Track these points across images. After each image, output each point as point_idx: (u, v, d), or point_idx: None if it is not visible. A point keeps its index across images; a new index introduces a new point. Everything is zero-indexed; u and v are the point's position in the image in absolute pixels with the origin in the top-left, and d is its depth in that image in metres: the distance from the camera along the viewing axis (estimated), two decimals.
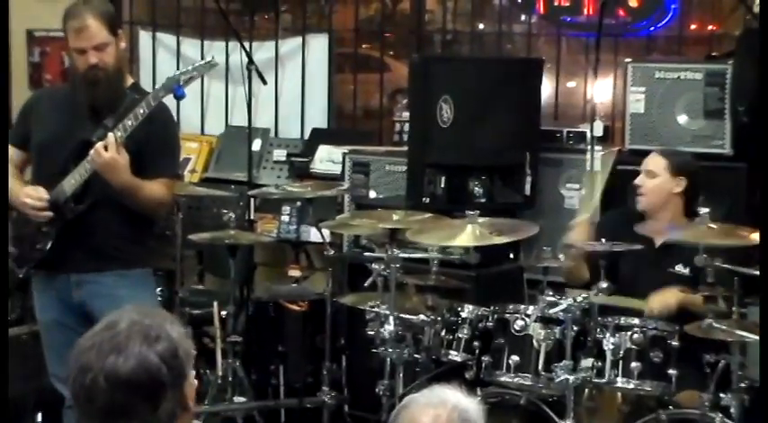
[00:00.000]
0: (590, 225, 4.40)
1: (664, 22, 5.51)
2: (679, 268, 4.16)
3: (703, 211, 3.93)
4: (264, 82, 5.53)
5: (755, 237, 3.65)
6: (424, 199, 4.79)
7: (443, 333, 4.10)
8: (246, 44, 5.66)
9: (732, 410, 3.69)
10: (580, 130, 5.05)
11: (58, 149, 3.87)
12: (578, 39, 5.85)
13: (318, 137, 5.94)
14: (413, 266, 4.28)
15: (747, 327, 3.66)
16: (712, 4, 5.59)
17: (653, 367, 3.80)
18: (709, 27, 5.58)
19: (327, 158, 5.74)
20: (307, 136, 6.07)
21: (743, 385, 3.69)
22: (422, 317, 4.09)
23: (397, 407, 2.18)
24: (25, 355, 4.66)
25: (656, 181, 4.24)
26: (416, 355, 4.10)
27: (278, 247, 5.81)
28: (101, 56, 3.79)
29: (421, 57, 5.23)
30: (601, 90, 5.39)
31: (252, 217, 5.65)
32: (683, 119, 4.80)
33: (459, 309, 4.11)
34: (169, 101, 3.90)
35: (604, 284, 3.87)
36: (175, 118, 4.36)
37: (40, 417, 4.72)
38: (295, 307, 4.94)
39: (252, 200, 5.60)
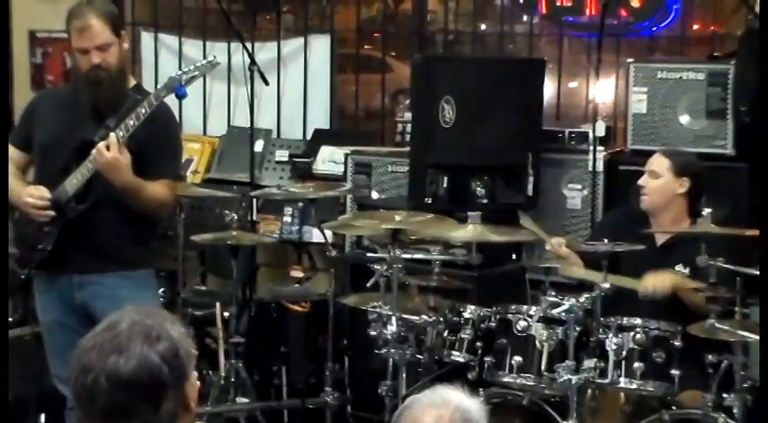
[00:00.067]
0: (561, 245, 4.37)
1: (666, 23, 5.51)
2: (679, 268, 4.16)
3: (706, 211, 3.94)
4: (266, 83, 5.53)
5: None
6: (426, 199, 4.79)
7: (446, 334, 4.10)
8: (248, 45, 5.66)
9: (735, 411, 3.69)
10: (582, 130, 5.05)
11: (60, 150, 3.87)
12: (580, 39, 5.85)
13: (320, 137, 5.94)
14: (415, 267, 4.28)
15: (750, 327, 3.66)
16: (714, 4, 5.58)
17: (656, 367, 3.80)
18: (712, 27, 5.57)
19: (329, 159, 5.74)
20: (309, 137, 6.07)
21: (746, 385, 3.69)
22: (424, 317, 4.09)
23: (399, 407, 2.18)
24: (28, 356, 4.66)
25: (660, 182, 4.24)
26: (419, 356, 4.10)
27: (280, 248, 5.81)
28: (104, 56, 3.80)
29: (423, 57, 5.23)
30: (603, 90, 5.39)
31: (254, 218, 5.66)
32: (685, 119, 4.80)
33: (462, 309, 4.11)
34: (171, 101, 3.90)
35: (607, 285, 3.87)
36: (177, 119, 4.35)
37: (42, 418, 4.72)
38: (297, 308, 4.94)
39: (254, 201, 5.60)
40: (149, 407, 1.99)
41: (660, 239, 4.29)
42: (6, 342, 4.25)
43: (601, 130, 4.94)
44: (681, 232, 4.19)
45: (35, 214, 3.85)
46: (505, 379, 3.91)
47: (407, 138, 5.46)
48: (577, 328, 3.80)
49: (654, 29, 5.54)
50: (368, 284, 4.17)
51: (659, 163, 4.27)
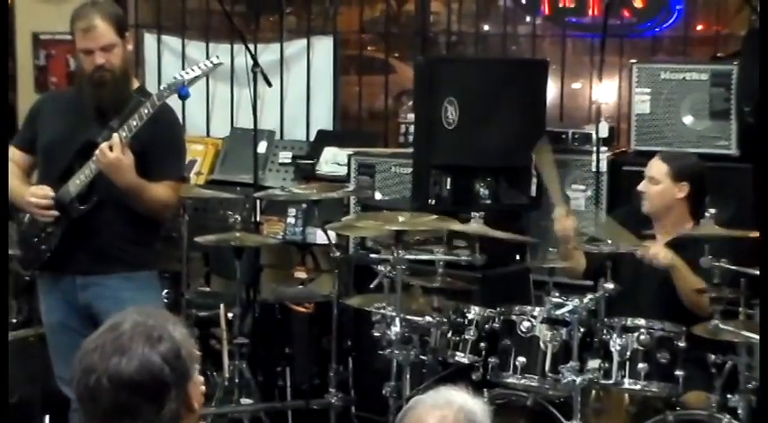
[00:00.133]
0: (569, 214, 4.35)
1: (669, 23, 5.50)
2: None
3: (709, 212, 3.93)
4: (270, 84, 5.54)
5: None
6: (429, 200, 4.79)
7: (450, 334, 4.10)
8: (251, 46, 5.66)
9: (739, 411, 3.69)
10: (585, 131, 5.05)
11: (63, 151, 3.87)
12: (583, 40, 5.85)
13: (324, 139, 5.95)
14: (419, 268, 4.28)
15: (754, 328, 3.65)
16: (717, 4, 5.58)
17: (660, 368, 3.80)
18: (715, 28, 5.57)
19: (333, 160, 5.74)
20: (312, 138, 6.08)
21: (750, 386, 3.68)
22: (428, 318, 4.09)
23: (403, 408, 2.18)
24: (32, 357, 4.67)
25: (659, 187, 4.21)
26: (423, 357, 4.10)
27: (284, 249, 5.82)
28: (108, 57, 3.80)
29: (426, 58, 5.24)
30: (606, 91, 5.38)
31: (258, 219, 5.66)
32: (688, 120, 4.80)
33: (466, 310, 4.11)
34: (174, 103, 3.90)
35: (610, 285, 3.87)
36: (181, 120, 4.36)
37: (47, 419, 4.72)
38: (301, 309, 4.94)
39: (258, 202, 5.61)
40: (152, 407, 2.00)
41: (662, 240, 4.28)
42: (6, 342, 4.25)
43: (604, 130, 4.94)
44: (684, 235, 4.18)
45: (38, 214, 3.86)
46: (509, 380, 3.91)
47: (411, 139, 5.46)
48: (581, 329, 3.80)
49: (657, 29, 5.54)
50: (371, 285, 4.17)
51: (658, 168, 4.23)
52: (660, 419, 3.78)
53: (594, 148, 4.91)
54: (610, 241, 4.06)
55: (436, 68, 4.89)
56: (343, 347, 4.80)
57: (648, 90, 4.86)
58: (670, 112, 4.82)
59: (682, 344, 3.81)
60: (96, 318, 3.67)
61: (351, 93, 6.40)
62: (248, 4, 6.56)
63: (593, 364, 3.75)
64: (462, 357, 4.06)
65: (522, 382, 3.89)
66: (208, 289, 5.71)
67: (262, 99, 5.71)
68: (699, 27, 5.76)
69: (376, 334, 4.14)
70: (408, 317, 4.06)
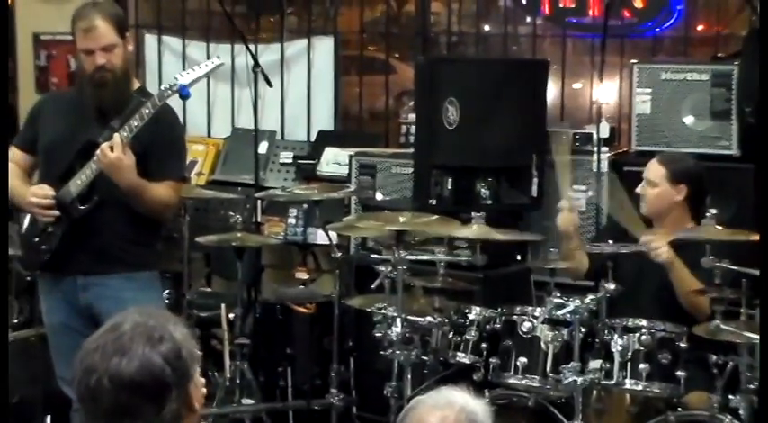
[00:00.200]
0: (573, 209, 4.35)
1: (669, 23, 5.50)
2: None
3: (710, 212, 3.93)
4: (270, 84, 5.54)
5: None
6: (430, 201, 4.79)
7: (451, 335, 4.10)
8: (252, 47, 5.66)
9: (741, 412, 3.68)
10: (586, 131, 5.05)
11: (64, 151, 3.87)
12: (584, 40, 5.85)
13: (325, 139, 5.95)
14: (420, 268, 4.28)
15: (756, 328, 3.65)
16: (718, 4, 5.58)
17: (661, 369, 3.80)
18: (715, 28, 5.57)
19: (334, 161, 5.75)
20: (313, 138, 6.08)
21: (751, 387, 3.68)
22: (429, 319, 4.09)
23: (404, 408, 2.18)
24: (33, 357, 4.67)
25: (657, 190, 4.20)
26: (424, 357, 4.10)
27: (285, 250, 5.82)
28: (108, 57, 3.80)
29: (426, 58, 5.24)
30: (606, 91, 5.38)
31: (259, 219, 5.66)
32: (689, 120, 4.80)
33: (467, 310, 4.11)
34: (175, 103, 3.90)
35: (612, 285, 3.86)
36: (182, 120, 4.36)
37: (48, 420, 4.73)
38: (302, 309, 4.94)
39: (259, 202, 5.61)
40: (152, 408, 2.00)
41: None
42: (6, 342, 4.25)
43: (605, 131, 4.94)
44: (683, 237, 4.17)
45: (40, 214, 3.86)
46: (511, 380, 3.91)
47: (411, 139, 5.46)
48: (582, 330, 3.80)
49: (657, 30, 5.54)
50: (373, 286, 4.17)
51: (655, 171, 4.22)
52: (661, 420, 3.78)
53: (595, 149, 4.91)
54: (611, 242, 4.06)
55: (437, 69, 4.89)
56: (345, 348, 4.80)
57: (649, 90, 4.86)
58: (671, 113, 4.82)
59: (683, 344, 3.81)
60: (97, 318, 3.67)
61: (351, 93, 6.40)
62: (249, 4, 6.56)
63: (595, 364, 3.75)
64: (463, 358, 4.06)
65: (524, 382, 3.89)
66: (209, 289, 5.71)
67: (262, 99, 5.71)
68: (699, 27, 5.76)
69: (377, 334, 4.14)
70: (409, 317, 4.06)
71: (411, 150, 5.21)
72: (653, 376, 3.79)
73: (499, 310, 4.04)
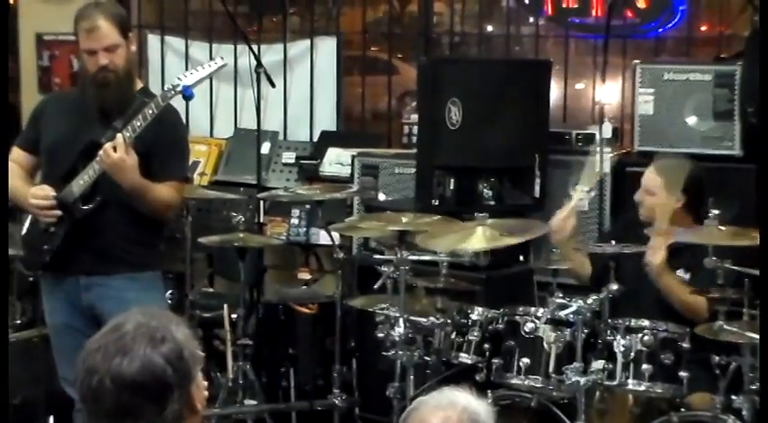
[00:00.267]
0: (576, 214, 4.32)
1: (672, 24, 5.50)
2: (680, 273, 4.15)
3: (712, 212, 3.92)
4: (273, 85, 5.54)
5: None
6: (433, 201, 4.78)
7: (453, 335, 4.09)
8: (255, 47, 5.67)
9: (744, 413, 3.68)
10: (589, 131, 5.05)
11: (66, 151, 3.88)
12: (586, 40, 5.86)
13: (327, 139, 5.95)
14: (422, 269, 4.28)
15: (758, 329, 3.65)
16: (721, 5, 5.57)
17: (664, 369, 3.79)
18: (718, 28, 5.57)
19: (336, 161, 5.75)
20: (315, 139, 6.08)
21: (754, 387, 3.68)
22: (432, 319, 4.09)
23: (407, 409, 2.18)
24: (35, 358, 4.67)
25: (655, 199, 4.19)
26: (427, 358, 4.10)
27: (287, 250, 5.82)
28: (111, 57, 3.80)
29: (429, 59, 5.24)
30: (609, 92, 5.38)
31: (261, 220, 5.66)
32: (692, 120, 4.80)
33: (469, 311, 4.11)
34: (178, 103, 3.90)
35: (614, 286, 3.86)
36: (184, 121, 4.36)
37: (51, 420, 4.73)
38: (305, 310, 4.94)
39: (261, 202, 5.61)
40: (154, 408, 2.00)
41: (663, 244, 4.27)
42: (6, 342, 4.25)
43: (608, 131, 4.94)
44: (685, 240, 4.16)
45: (42, 215, 3.86)
46: (513, 381, 3.90)
47: (414, 139, 5.46)
48: (585, 330, 3.79)
49: (660, 30, 5.53)
50: (375, 286, 4.17)
51: (652, 181, 4.20)
52: (664, 420, 3.78)
53: (598, 149, 4.90)
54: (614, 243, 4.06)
55: (439, 69, 4.89)
56: (347, 348, 4.80)
57: (652, 91, 4.86)
58: (673, 113, 4.81)
59: (686, 345, 3.80)
60: (100, 318, 3.67)
61: (354, 93, 6.40)
62: (251, 4, 6.56)
63: (597, 365, 3.75)
64: (466, 358, 4.05)
65: (526, 383, 3.88)
66: (211, 290, 5.71)
67: (265, 100, 5.71)
68: (702, 28, 5.76)
69: (379, 335, 4.13)
70: (412, 318, 4.06)
71: (414, 151, 5.20)
72: (656, 377, 3.78)
73: (502, 310, 4.04)
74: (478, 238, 3.97)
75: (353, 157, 5.43)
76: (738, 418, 3.69)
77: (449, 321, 4.09)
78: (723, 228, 3.88)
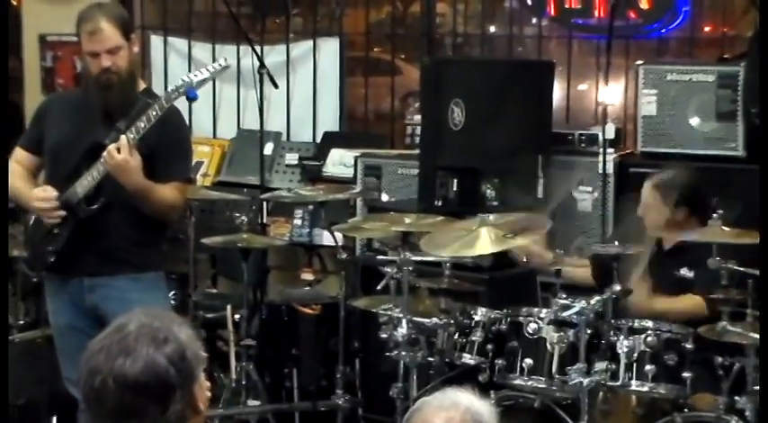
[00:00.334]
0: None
1: (675, 24, 5.49)
2: (684, 272, 4.15)
3: (717, 213, 3.92)
4: (276, 86, 5.54)
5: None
6: (436, 202, 4.79)
7: (456, 336, 4.09)
8: (258, 48, 5.67)
9: (747, 413, 3.68)
10: (592, 132, 5.04)
11: (70, 152, 3.88)
12: (589, 41, 5.84)
13: (330, 140, 5.95)
14: (425, 269, 4.28)
15: None
16: (724, 5, 5.57)
17: (667, 370, 3.79)
18: (721, 29, 5.56)
19: (339, 162, 5.75)
20: (319, 139, 6.08)
21: (758, 388, 3.68)
22: (435, 320, 4.09)
23: (410, 410, 2.18)
24: (39, 358, 4.67)
25: (655, 214, 4.20)
26: (430, 358, 4.10)
27: (291, 251, 5.82)
28: (114, 59, 3.81)
29: (432, 60, 5.24)
30: (612, 92, 5.38)
31: (264, 220, 5.67)
32: (695, 121, 4.79)
33: (473, 312, 4.11)
34: (181, 104, 3.91)
35: (618, 287, 3.86)
36: (187, 122, 4.36)
37: (54, 420, 4.73)
38: (308, 310, 4.94)
39: (264, 203, 5.61)
40: (157, 408, 2.00)
41: (668, 243, 4.28)
42: (6, 342, 4.26)
43: (611, 132, 4.93)
44: (689, 240, 4.16)
45: (45, 216, 3.87)
46: (516, 381, 3.90)
47: (417, 140, 5.46)
48: (588, 331, 3.79)
49: (663, 31, 5.53)
50: (378, 287, 4.18)
51: (651, 196, 4.22)
52: (667, 421, 3.78)
53: (601, 150, 4.90)
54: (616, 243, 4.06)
55: (442, 70, 4.89)
56: (350, 349, 4.80)
57: (655, 91, 4.86)
58: (676, 114, 4.81)
59: (689, 345, 3.80)
60: (103, 319, 3.67)
61: (357, 94, 6.40)
62: (254, 5, 6.56)
63: (601, 365, 3.75)
64: (469, 359, 4.05)
65: (529, 383, 3.88)
66: (215, 290, 5.71)
67: (268, 100, 5.71)
68: (705, 28, 5.75)
69: (383, 335, 4.14)
70: (415, 318, 4.06)
71: (416, 151, 5.21)
72: (659, 378, 3.78)
73: (505, 311, 4.04)
74: (483, 242, 3.95)
75: (356, 157, 5.43)
76: (742, 418, 3.69)
77: (452, 322, 4.09)
78: (727, 229, 3.88)
